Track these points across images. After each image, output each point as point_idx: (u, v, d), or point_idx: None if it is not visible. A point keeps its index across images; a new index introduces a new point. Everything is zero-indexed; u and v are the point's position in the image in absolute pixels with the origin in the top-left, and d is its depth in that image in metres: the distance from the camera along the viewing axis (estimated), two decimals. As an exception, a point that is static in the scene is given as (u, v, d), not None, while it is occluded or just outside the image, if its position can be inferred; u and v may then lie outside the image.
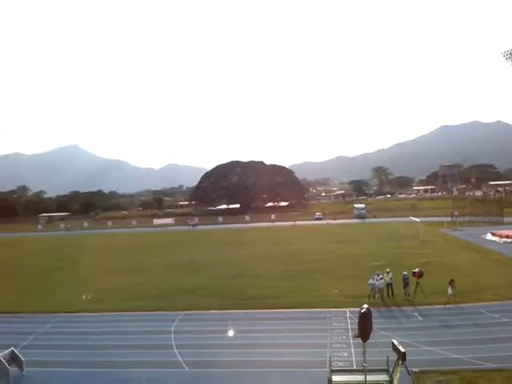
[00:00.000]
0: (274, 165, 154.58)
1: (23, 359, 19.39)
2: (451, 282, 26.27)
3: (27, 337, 24.27)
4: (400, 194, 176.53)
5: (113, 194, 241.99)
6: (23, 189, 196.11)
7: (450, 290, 26.09)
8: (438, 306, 26.15)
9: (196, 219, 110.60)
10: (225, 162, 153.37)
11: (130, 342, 22.66)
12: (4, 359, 18.78)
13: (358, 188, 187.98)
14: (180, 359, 19.94)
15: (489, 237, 54.68)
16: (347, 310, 25.85)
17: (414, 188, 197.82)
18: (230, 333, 21.70)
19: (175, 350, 21.06)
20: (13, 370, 18.91)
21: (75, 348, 22.28)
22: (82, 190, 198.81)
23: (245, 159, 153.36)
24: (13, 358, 19.31)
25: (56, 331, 25.57)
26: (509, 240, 50.25)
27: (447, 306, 25.97)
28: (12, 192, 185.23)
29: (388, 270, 29.24)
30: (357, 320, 13.99)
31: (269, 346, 21.10)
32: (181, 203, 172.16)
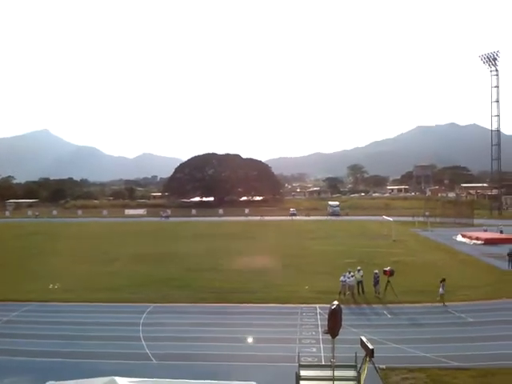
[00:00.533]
0: (251, 159, 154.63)
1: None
2: (442, 281, 26.51)
3: (-9, 325, 23.62)
4: (374, 192, 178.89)
5: (84, 182, 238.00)
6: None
7: (441, 289, 26.32)
8: (407, 305, 26.44)
9: (169, 211, 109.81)
10: (201, 153, 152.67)
11: (98, 333, 22.28)
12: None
13: (333, 185, 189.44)
14: (147, 351, 19.72)
15: (459, 238, 55.76)
16: (317, 305, 25.94)
17: (388, 187, 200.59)
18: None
19: (143, 342, 20.81)
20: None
21: (41, 337, 21.82)
22: (52, 177, 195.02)
23: (221, 152, 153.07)
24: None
25: (22, 320, 24.96)
26: (478, 242, 51.32)
27: (440, 304, 26.17)
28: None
29: (359, 267, 29.51)
30: (327, 316, 13.96)
31: (238, 340, 21.03)
32: (154, 194, 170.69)
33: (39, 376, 16.21)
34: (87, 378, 12.78)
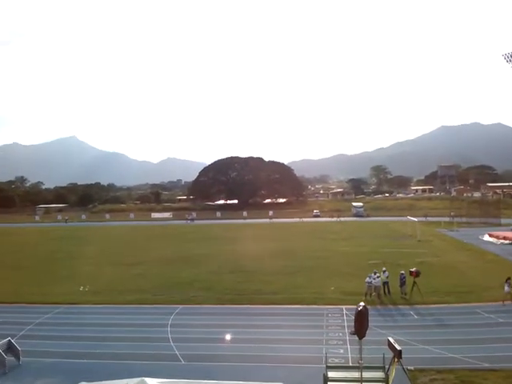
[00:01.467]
0: (273, 161, 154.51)
1: (20, 349, 19.44)
2: (508, 279, 26.17)
3: (24, 327, 24.29)
4: (398, 193, 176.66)
5: (111, 186, 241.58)
6: (21, 179, 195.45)
7: (506, 288, 25.98)
8: (434, 306, 26.16)
9: (194, 214, 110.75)
10: (224, 157, 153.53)
11: (127, 335, 22.74)
12: (1, 349, 18.85)
13: (357, 186, 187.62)
14: (176, 352, 20.05)
15: (486, 238, 54.81)
16: (343, 307, 25.93)
17: (412, 188, 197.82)
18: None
19: (172, 343, 21.16)
20: (9, 359, 18.96)
21: (72, 339, 22.33)
22: (80, 182, 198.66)
23: (244, 155, 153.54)
24: (9, 348, 19.36)
25: (53, 322, 25.58)
26: (506, 241, 50.39)
27: (505, 303, 25.81)
28: (10, 182, 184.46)
29: (384, 268, 29.31)
30: (353, 317, 14.03)
31: (265, 341, 21.14)
32: (179, 197, 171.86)
33: (71, 377, 16.69)
34: (118, 378, 13.20)
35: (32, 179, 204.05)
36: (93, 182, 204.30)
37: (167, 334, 22.52)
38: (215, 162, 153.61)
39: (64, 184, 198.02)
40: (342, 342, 20.51)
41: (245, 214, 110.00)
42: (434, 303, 26.58)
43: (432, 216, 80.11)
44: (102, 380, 13.20)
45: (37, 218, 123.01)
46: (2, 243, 66.41)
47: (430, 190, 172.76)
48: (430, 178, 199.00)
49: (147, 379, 11.11)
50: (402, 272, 28.53)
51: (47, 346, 21.30)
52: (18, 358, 19.32)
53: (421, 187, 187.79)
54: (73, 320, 25.90)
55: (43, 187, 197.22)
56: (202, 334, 22.39)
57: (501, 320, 23.19)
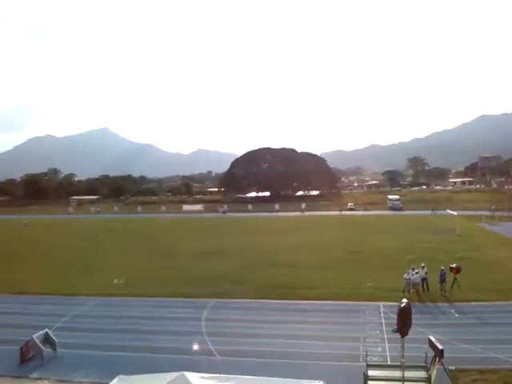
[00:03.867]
0: (306, 152, 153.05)
1: (56, 340, 19.72)
2: None
3: (60, 319, 24.67)
4: (436, 185, 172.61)
5: (142, 178, 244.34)
6: (54, 171, 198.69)
7: None
8: (475, 303, 25.29)
9: (226, 206, 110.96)
10: (255, 148, 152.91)
11: (162, 328, 22.80)
12: (38, 340, 19.14)
13: (392, 178, 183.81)
14: (211, 347, 19.94)
15: (529, 232, 52.76)
16: (381, 303, 25.37)
17: (451, 180, 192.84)
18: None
19: (206, 338, 21.08)
20: (46, 350, 19.27)
21: (107, 332, 22.58)
22: (111, 174, 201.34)
23: (276, 146, 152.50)
24: (47, 339, 19.68)
25: (89, 314, 25.90)
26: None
27: None
28: (43, 174, 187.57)
29: (423, 264, 28.45)
30: (391, 314, 13.58)
31: (301, 337, 20.81)
32: (210, 190, 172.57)
33: (108, 369, 16.75)
34: (154, 372, 13.10)
35: (65, 171, 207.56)
36: (124, 174, 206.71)
37: (201, 328, 22.46)
38: (246, 153, 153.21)
39: (96, 176, 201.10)
40: (379, 340, 20.03)
41: (277, 206, 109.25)
42: (476, 300, 25.68)
43: (471, 209, 77.79)
44: (138, 373, 13.14)
45: (70, 209, 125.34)
46: (36, 234, 68.09)
47: (470, 182, 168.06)
48: (470, 170, 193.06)
49: (187, 373, 10.96)
50: (443, 268, 27.62)
51: (83, 338, 21.53)
52: (55, 350, 19.60)
53: (460, 179, 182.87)
54: (107, 312, 26.23)
55: (76, 179, 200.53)
56: (237, 329, 22.25)
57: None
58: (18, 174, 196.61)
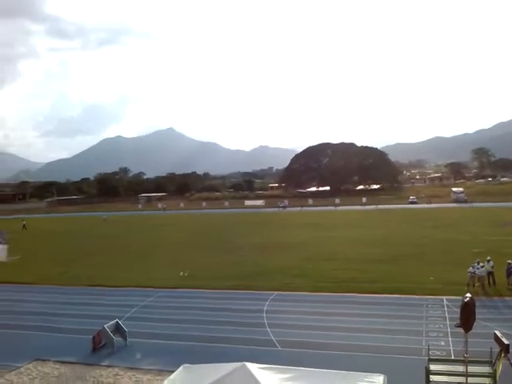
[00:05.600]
0: (366, 146, 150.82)
1: (126, 330, 20.74)
2: None
3: (130, 309, 25.98)
4: (502, 177, 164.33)
5: (206, 175, 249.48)
6: (124, 170, 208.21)
7: None
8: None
9: (286, 201, 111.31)
10: (315, 143, 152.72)
11: (225, 319, 23.46)
12: (109, 330, 20.30)
13: (456, 170, 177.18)
14: (272, 338, 20.43)
15: None
16: (444, 297, 24.85)
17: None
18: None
19: (268, 329, 21.58)
20: (117, 339, 20.35)
21: (173, 322, 23.52)
22: (177, 172, 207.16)
23: (335, 141, 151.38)
24: (117, 329, 20.76)
25: (156, 305, 27.09)
26: None
27: None
28: (114, 173, 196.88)
29: (489, 257, 27.51)
30: (454, 308, 13.40)
31: (362, 330, 20.84)
32: (271, 185, 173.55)
33: (174, 358, 17.52)
34: (217, 361, 13.67)
35: (134, 170, 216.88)
36: (189, 172, 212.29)
37: (263, 320, 23.00)
38: (307, 148, 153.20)
39: (163, 174, 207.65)
40: (442, 334, 19.68)
41: (337, 200, 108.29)
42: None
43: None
44: (202, 362, 13.75)
45: (139, 206, 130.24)
46: (112, 230, 71.64)
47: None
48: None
49: (248, 364, 11.33)
50: (510, 261, 26.62)
51: (151, 328, 22.54)
52: (125, 339, 20.62)
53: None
54: (174, 303, 27.26)
55: (145, 177, 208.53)
56: (298, 321, 22.53)
57: None
58: (91, 174, 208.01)
